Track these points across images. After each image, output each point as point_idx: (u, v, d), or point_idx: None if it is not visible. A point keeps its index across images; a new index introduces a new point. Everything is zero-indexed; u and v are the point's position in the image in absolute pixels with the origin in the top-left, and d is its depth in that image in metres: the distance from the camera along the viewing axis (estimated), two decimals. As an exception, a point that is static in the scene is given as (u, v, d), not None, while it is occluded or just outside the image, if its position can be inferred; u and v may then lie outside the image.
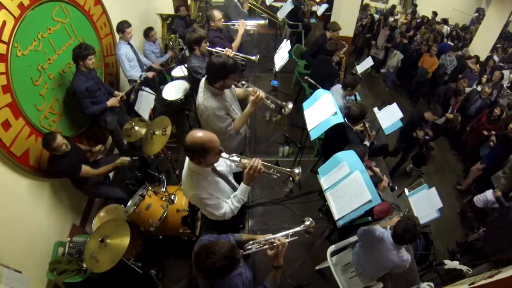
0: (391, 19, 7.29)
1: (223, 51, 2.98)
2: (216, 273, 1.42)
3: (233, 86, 2.49)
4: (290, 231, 1.75)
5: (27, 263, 2.43)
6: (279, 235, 1.71)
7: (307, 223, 1.77)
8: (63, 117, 3.00)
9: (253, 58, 3.17)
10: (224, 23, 3.60)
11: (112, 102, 3.19)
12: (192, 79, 3.01)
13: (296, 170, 1.89)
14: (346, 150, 2.53)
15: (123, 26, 3.52)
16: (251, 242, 1.75)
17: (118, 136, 3.48)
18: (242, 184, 1.95)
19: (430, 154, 4.32)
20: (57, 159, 2.61)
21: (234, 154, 1.93)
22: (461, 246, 3.81)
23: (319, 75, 3.88)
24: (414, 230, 2.05)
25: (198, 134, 1.67)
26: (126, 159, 2.95)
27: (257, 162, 1.81)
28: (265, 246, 1.68)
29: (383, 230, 2.27)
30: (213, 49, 3.03)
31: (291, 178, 1.94)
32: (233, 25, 3.65)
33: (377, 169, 2.87)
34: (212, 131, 1.93)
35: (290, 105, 2.46)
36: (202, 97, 2.30)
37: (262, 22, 4.24)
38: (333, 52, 3.87)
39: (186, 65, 3.16)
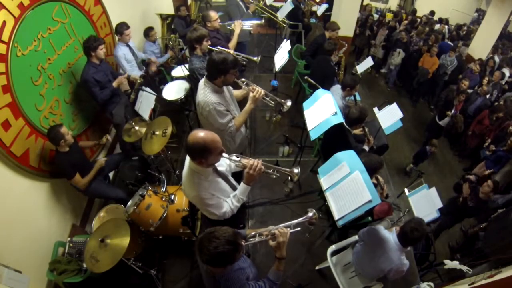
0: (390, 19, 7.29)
1: (224, 51, 2.98)
2: (218, 258, 1.40)
3: (231, 87, 2.50)
4: (293, 222, 1.75)
5: (27, 263, 2.43)
6: (281, 225, 1.70)
7: (310, 214, 1.79)
8: (63, 117, 3.00)
9: (255, 59, 3.18)
10: (221, 24, 3.60)
11: (118, 80, 3.22)
12: (194, 79, 3.01)
13: (296, 170, 1.91)
14: (362, 159, 2.54)
15: (122, 28, 3.53)
16: (253, 233, 1.74)
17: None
18: (242, 184, 1.95)
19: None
20: (58, 155, 2.62)
21: (234, 154, 1.94)
22: (462, 242, 3.78)
23: (318, 75, 3.88)
24: (421, 228, 2.10)
25: (200, 134, 1.66)
26: (102, 159, 3.06)
27: (258, 162, 1.83)
28: (267, 237, 1.68)
29: (388, 231, 2.30)
30: (214, 48, 3.03)
31: (289, 178, 1.95)
32: (229, 25, 3.65)
33: (381, 179, 2.87)
34: (213, 129, 1.93)
35: (289, 103, 2.49)
36: (202, 93, 2.32)
37: (258, 22, 4.24)
38: (332, 51, 3.86)
39: (187, 66, 3.15)
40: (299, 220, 1.77)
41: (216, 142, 1.69)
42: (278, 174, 1.94)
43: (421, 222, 2.16)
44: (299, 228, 1.75)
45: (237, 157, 1.92)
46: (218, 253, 1.37)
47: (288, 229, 1.69)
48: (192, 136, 1.67)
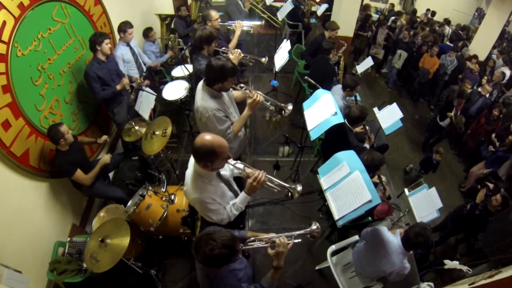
0: (392, 18, 7.30)
1: (231, 51, 2.94)
2: (213, 260, 1.41)
3: (230, 89, 2.49)
4: (295, 233, 1.72)
5: (27, 263, 2.43)
6: (283, 235, 1.68)
7: (314, 227, 1.75)
8: (63, 117, 2.99)
9: (263, 60, 3.16)
10: (221, 23, 3.59)
11: (121, 83, 3.22)
12: (198, 80, 2.96)
13: (298, 188, 1.88)
14: (364, 156, 2.54)
15: (125, 27, 3.54)
16: (252, 238, 1.74)
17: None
18: (243, 193, 1.95)
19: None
20: (58, 154, 2.62)
21: (239, 161, 1.94)
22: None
23: (317, 74, 3.88)
24: (425, 234, 2.10)
25: (209, 137, 1.66)
26: (107, 156, 3.01)
27: (262, 174, 1.82)
28: (266, 244, 1.67)
29: (392, 234, 2.31)
30: (221, 49, 2.99)
31: (289, 194, 1.90)
32: (230, 25, 3.64)
33: (384, 178, 2.88)
34: None
35: (290, 107, 2.46)
36: (201, 98, 2.29)
37: (259, 23, 4.23)
38: (329, 50, 3.86)
39: (193, 65, 3.09)
40: (302, 232, 1.74)
41: (223, 147, 1.68)
42: (279, 189, 1.92)
43: (426, 227, 2.16)
44: (300, 240, 1.72)
45: (241, 164, 1.92)
46: (214, 256, 1.38)
47: (290, 239, 1.68)
48: (200, 139, 1.66)
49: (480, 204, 3.36)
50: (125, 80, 3.26)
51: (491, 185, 3.57)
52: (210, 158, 1.67)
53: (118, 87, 3.20)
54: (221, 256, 1.39)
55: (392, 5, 9.04)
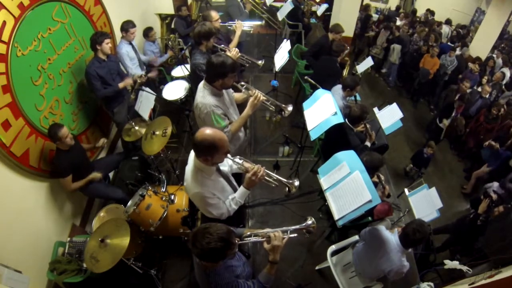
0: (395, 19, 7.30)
1: (229, 49, 2.96)
2: (210, 254, 1.42)
3: (231, 90, 2.49)
4: (290, 228, 1.76)
5: (27, 263, 2.43)
6: (278, 229, 1.71)
7: (309, 222, 1.78)
8: (63, 117, 3.00)
9: (259, 62, 3.18)
10: (221, 24, 3.59)
11: (125, 82, 3.23)
12: (195, 76, 2.96)
13: (296, 183, 1.91)
14: (363, 157, 2.54)
15: (128, 26, 3.55)
16: (249, 233, 1.76)
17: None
18: (241, 187, 1.97)
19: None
20: (59, 153, 2.62)
21: (238, 157, 1.96)
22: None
23: (322, 75, 3.85)
24: (423, 230, 2.10)
25: (209, 131, 1.68)
26: (98, 174, 2.95)
27: (260, 168, 1.84)
28: (262, 239, 1.69)
29: (389, 232, 2.31)
30: (219, 47, 3.00)
31: (287, 189, 1.93)
32: (230, 25, 3.65)
33: (383, 177, 2.88)
34: None
35: (290, 108, 2.46)
36: (201, 95, 2.31)
37: (259, 23, 4.23)
38: (339, 52, 3.87)
39: (190, 61, 3.12)
40: (297, 226, 1.77)
41: (224, 141, 1.70)
42: (277, 183, 1.94)
43: (423, 223, 2.15)
44: (296, 235, 1.74)
45: (240, 159, 1.94)
46: (210, 249, 1.39)
47: (285, 234, 1.70)
48: (201, 133, 1.67)
49: (483, 215, 3.35)
50: (129, 81, 3.26)
51: (494, 196, 3.57)
52: (210, 152, 1.69)
53: (121, 84, 3.21)
54: (217, 250, 1.40)
55: (398, 7, 9.05)
